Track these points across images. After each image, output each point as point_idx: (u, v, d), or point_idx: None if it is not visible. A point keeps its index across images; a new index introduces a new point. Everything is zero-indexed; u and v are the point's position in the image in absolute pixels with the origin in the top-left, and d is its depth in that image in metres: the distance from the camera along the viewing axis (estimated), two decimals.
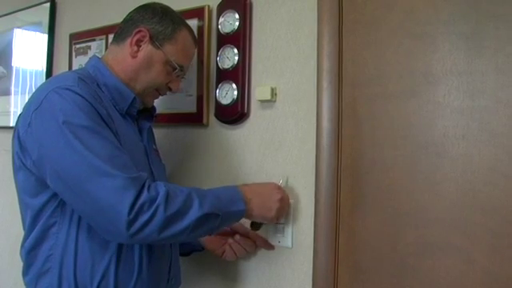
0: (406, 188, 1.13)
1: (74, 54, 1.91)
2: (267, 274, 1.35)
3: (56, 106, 1.03)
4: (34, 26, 2.14)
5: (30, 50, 2.17)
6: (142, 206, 0.97)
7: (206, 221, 1.06)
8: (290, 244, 1.30)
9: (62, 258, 1.09)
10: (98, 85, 1.17)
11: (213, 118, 1.48)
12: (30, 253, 1.12)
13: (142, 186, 1.00)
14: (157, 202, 0.99)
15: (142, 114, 1.29)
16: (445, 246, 1.07)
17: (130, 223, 0.96)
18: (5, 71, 2.27)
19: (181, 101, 1.53)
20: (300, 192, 1.29)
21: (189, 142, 1.54)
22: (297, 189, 1.30)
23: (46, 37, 2.06)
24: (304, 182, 1.29)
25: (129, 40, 1.22)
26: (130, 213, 0.96)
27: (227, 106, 1.42)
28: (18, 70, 2.23)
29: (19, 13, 2.21)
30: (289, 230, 1.30)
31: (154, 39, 1.21)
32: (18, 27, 2.23)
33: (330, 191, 1.22)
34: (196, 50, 1.38)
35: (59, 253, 1.09)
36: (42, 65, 2.07)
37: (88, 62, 1.26)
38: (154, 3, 1.29)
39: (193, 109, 1.51)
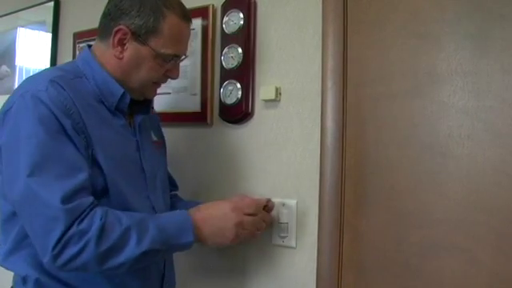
0: (411, 188, 1.13)
1: (77, 52, 1.91)
2: (271, 273, 1.35)
3: (19, 116, 1.00)
4: (37, 24, 2.14)
5: (33, 49, 2.17)
6: (69, 239, 0.95)
7: (146, 257, 1.03)
8: (293, 244, 1.30)
9: (42, 265, 1.04)
10: (86, 78, 1.13)
11: (217, 118, 1.48)
12: (6, 260, 1.09)
13: (76, 218, 0.96)
14: (88, 235, 0.96)
15: (138, 107, 1.23)
16: (449, 246, 1.07)
17: (56, 256, 0.95)
18: (8, 70, 2.27)
19: (185, 100, 1.53)
20: (304, 192, 1.29)
21: (193, 141, 1.54)
22: (301, 188, 1.30)
23: (49, 36, 2.06)
24: (308, 182, 1.28)
25: (110, 40, 1.13)
26: (54, 247, 0.94)
27: (231, 105, 1.41)
28: (21, 69, 2.23)
29: (23, 12, 2.21)
30: (293, 230, 1.30)
31: (136, 36, 1.12)
32: (22, 26, 2.23)
33: (334, 191, 1.22)
34: (191, 26, 1.22)
35: (36, 261, 1.05)
36: (45, 64, 2.07)
37: (79, 53, 1.21)
38: None
39: (197, 108, 1.51)
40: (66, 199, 0.96)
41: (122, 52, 1.13)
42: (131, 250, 1.00)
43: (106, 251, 0.97)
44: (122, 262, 0.99)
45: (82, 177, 1.00)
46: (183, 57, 1.22)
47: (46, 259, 0.96)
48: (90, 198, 1.00)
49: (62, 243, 0.94)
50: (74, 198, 0.97)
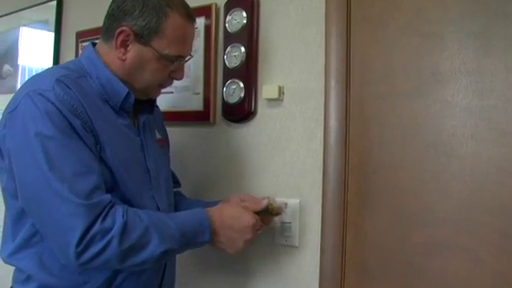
0: (414, 187, 1.13)
1: (80, 52, 1.91)
2: (274, 272, 1.35)
3: (27, 114, 0.99)
4: (40, 24, 2.15)
5: (36, 48, 2.17)
6: (93, 236, 0.94)
7: (167, 255, 1.04)
8: (296, 243, 1.30)
9: (45, 265, 1.06)
10: (90, 77, 1.12)
11: (220, 117, 1.48)
12: (12, 256, 1.09)
13: (99, 215, 0.96)
14: (111, 233, 0.96)
15: (142, 106, 1.22)
16: (453, 245, 1.07)
17: (79, 254, 0.94)
18: (11, 69, 2.28)
19: (188, 99, 1.53)
20: (307, 191, 1.29)
21: (195, 140, 1.54)
22: (304, 188, 1.30)
23: (52, 35, 2.07)
24: (311, 181, 1.28)
25: (113, 42, 1.12)
26: (78, 244, 0.93)
27: (234, 104, 1.41)
28: (24, 69, 2.23)
29: (26, 11, 2.21)
30: (296, 229, 1.30)
31: (139, 37, 1.10)
32: (25, 25, 2.23)
33: (337, 190, 1.22)
34: (195, 26, 1.21)
35: (41, 260, 1.06)
36: (48, 63, 2.07)
37: (83, 51, 1.21)
38: None
39: (200, 107, 1.51)
40: (86, 196, 0.96)
41: (124, 54, 1.12)
42: (153, 249, 1.00)
43: (129, 249, 0.98)
44: (143, 260, 1.00)
45: (96, 174, 1.00)
46: (188, 57, 1.20)
47: (66, 257, 0.96)
48: (109, 196, 1.01)
49: (86, 240, 0.94)
50: (93, 195, 0.97)
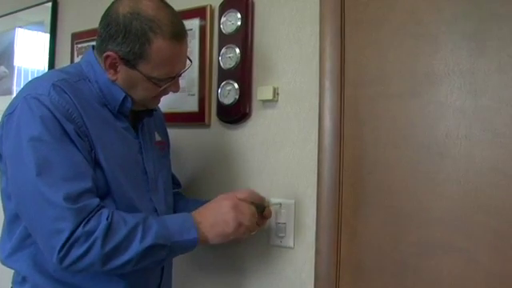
0: (408, 188, 1.13)
1: (75, 53, 1.91)
2: (269, 273, 1.35)
3: (22, 118, 1.01)
4: (35, 25, 2.14)
5: (31, 50, 2.17)
6: (76, 240, 0.95)
7: (151, 253, 1.02)
8: (291, 244, 1.30)
9: (40, 266, 1.07)
10: (89, 80, 1.13)
11: (215, 118, 1.48)
12: (9, 258, 1.10)
13: (84, 218, 0.96)
14: (94, 235, 0.96)
15: (141, 110, 1.23)
16: (447, 246, 1.07)
17: (62, 258, 0.95)
18: (6, 71, 2.27)
19: (183, 100, 1.53)
20: (302, 192, 1.30)
21: (191, 141, 1.54)
22: (299, 189, 1.30)
23: (47, 36, 2.06)
24: (306, 182, 1.29)
25: (103, 63, 1.12)
26: (61, 249, 0.94)
27: (229, 105, 1.41)
28: (19, 70, 2.23)
29: (21, 12, 2.21)
30: (291, 230, 1.30)
31: (125, 61, 1.09)
32: (20, 27, 2.23)
33: (332, 191, 1.22)
34: (185, 42, 1.15)
35: (35, 262, 1.07)
36: (43, 64, 2.07)
37: (84, 55, 1.21)
38: (117, 10, 1.09)
39: (195, 108, 1.51)
40: (73, 200, 0.96)
41: (114, 74, 1.12)
42: (135, 247, 1.00)
43: (112, 250, 0.98)
44: (126, 260, 1.00)
45: (87, 179, 1.01)
46: (182, 71, 1.19)
47: (52, 260, 0.96)
48: (97, 200, 1.01)
49: (68, 244, 0.95)
50: (81, 199, 0.98)
